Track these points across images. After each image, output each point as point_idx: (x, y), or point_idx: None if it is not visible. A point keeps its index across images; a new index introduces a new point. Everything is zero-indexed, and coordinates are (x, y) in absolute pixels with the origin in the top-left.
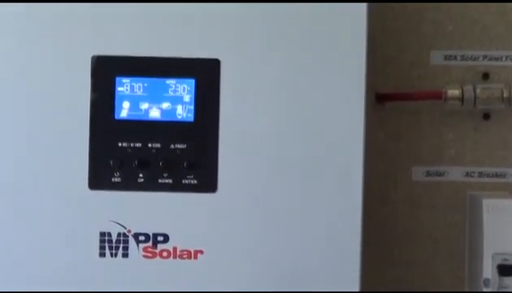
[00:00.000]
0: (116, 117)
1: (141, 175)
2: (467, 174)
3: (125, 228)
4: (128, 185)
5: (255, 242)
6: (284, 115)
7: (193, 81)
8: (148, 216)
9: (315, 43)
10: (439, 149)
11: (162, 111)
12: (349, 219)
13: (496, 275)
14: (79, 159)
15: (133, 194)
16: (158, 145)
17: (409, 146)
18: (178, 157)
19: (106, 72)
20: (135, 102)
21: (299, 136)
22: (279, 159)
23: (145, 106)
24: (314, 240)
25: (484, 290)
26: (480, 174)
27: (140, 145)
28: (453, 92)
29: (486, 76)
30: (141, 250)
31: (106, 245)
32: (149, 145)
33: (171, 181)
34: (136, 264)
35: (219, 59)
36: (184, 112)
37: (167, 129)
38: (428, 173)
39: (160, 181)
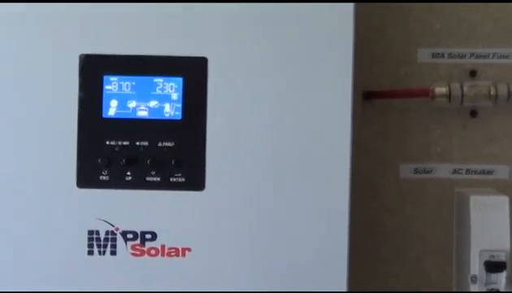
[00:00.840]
0: (104, 115)
1: (128, 173)
2: (455, 171)
3: (113, 226)
4: (116, 183)
5: (243, 240)
6: (272, 113)
7: (180, 80)
8: (136, 214)
9: (302, 42)
10: (426, 146)
11: (150, 110)
12: (337, 217)
13: (484, 272)
14: (67, 157)
15: (121, 192)
16: (146, 143)
17: (396, 144)
18: (166, 155)
19: (94, 70)
20: (123, 100)
21: (286, 134)
22: (267, 157)
23: (132, 104)
24: (302, 238)
25: (471, 286)
26: (468, 171)
27: (128, 143)
28: (441, 89)
29: (473, 74)
30: (129, 248)
31: (95, 243)
32: (137, 143)
33: (158, 179)
34: (125, 262)
35: (207, 57)
36: (171, 110)
37: (154, 127)
38: (416, 171)
39: (148, 179)
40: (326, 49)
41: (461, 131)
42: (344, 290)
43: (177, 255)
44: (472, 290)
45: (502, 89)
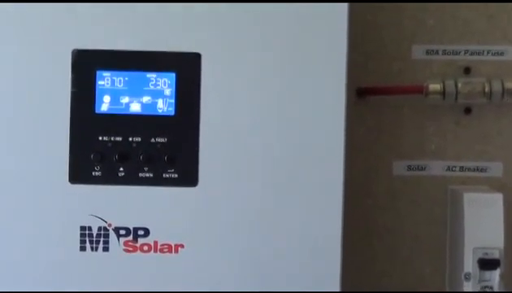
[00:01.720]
0: (97, 111)
1: (121, 169)
2: (448, 168)
3: (106, 222)
4: (109, 179)
5: (235, 237)
6: (265, 109)
7: (173, 75)
8: (128, 210)
9: (296, 38)
10: (420, 143)
11: (143, 105)
12: (330, 214)
13: (477, 269)
14: (59, 152)
15: (114, 188)
16: (139, 139)
17: (390, 141)
18: (158, 151)
19: (87, 65)
20: (115, 95)
21: (280, 130)
22: (260, 153)
23: (125, 100)
24: (295, 235)
25: (465, 283)
26: (461, 168)
27: (120, 139)
28: (435, 86)
29: (467, 71)
30: (121, 244)
31: (87, 239)
32: (130, 139)
33: (151, 175)
34: (117, 258)
35: (200, 52)
36: (164, 106)
37: (147, 122)
38: (409, 168)
39: (141, 175)
40: (319, 47)
41: (455, 128)
42: (337, 291)
43: (170, 251)
44: (466, 287)
45: (496, 87)
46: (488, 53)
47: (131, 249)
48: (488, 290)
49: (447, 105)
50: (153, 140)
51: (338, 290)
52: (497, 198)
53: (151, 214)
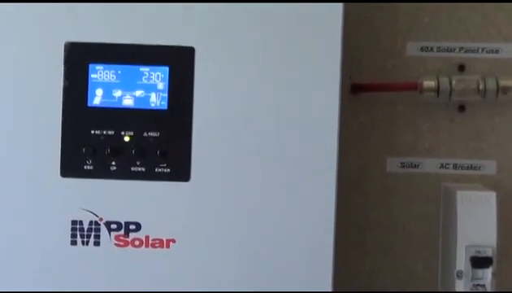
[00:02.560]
0: (89, 104)
1: (113, 163)
2: (442, 166)
3: (97, 216)
4: (101, 173)
5: (227, 232)
6: (259, 105)
7: (166, 69)
8: (120, 204)
9: (291, 35)
10: (414, 140)
11: (136, 99)
12: (323, 211)
13: (470, 267)
14: (51, 146)
15: (105, 182)
16: (131, 133)
17: (384, 138)
18: (151, 145)
19: (80, 58)
20: (108, 89)
21: (273, 126)
22: (253, 148)
23: (118, 93)
24: (287, 232)
25: (457, 281)
26: (455, 166)
27: (112, 132)
28: (429, 83)
29: (462, 68)
30: (112, 238)
31: (78, 233)
32: (122, 133)
33: (143, 169)
34: (108, 252)
35: (194, 47)
36: (157, 100)
37: (140, 116)
38: (403, 165)
39: (133, 169)
40: (314, 43)
41: (449, 126)
42: (329, 290)
43: (161, 246)
44: (458, 285)
45: (491, 84)
46: (482, 50)
47: (122, 244)
48: (480, 288)
49: (441, 102)
50: (145, 134)
51: (330, 291)
52: (490, 196)
53: (143, 209)
